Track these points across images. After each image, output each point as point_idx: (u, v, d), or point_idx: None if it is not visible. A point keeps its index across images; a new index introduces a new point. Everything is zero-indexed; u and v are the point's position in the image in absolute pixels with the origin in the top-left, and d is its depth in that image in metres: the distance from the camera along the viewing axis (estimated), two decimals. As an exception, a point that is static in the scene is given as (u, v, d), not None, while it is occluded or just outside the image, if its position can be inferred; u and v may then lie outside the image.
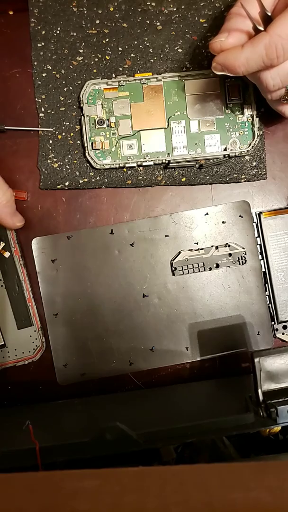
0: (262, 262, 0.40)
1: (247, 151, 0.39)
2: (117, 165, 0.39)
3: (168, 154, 0.39)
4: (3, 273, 0.39)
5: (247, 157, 0.40)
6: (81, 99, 0.38)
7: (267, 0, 0.31)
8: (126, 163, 0.38)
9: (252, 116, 0.39)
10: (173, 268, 0.39)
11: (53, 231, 0.40)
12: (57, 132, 0.39)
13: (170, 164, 0.38)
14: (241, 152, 0.39)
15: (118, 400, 0.39)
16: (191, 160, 0.39)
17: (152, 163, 0.39)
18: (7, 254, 0.39)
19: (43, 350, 0.39)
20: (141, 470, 0.22)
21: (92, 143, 0.38)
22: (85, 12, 0.39)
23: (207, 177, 0.40)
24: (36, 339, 0.39)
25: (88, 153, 0.38)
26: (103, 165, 0.38)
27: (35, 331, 0.39)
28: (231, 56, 0.30)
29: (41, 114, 0.39)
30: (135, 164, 0.39)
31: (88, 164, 0.39)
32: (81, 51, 0.39)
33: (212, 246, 0.39)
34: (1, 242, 0.39)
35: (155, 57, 0.39)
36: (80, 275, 0.39)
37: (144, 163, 0.39)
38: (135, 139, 0.39)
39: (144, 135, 0.39)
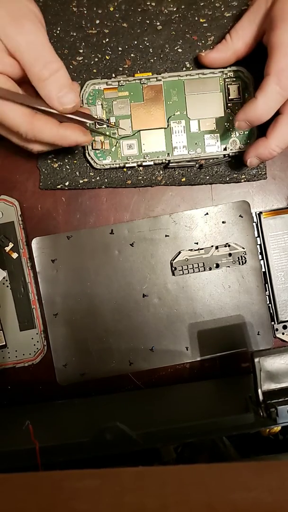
0: (262, 262, 0.40)
1: (247, 151, 0.39)
2: (117, 165, 0.39)
3: (168, 154, 0.39)
4: (10, 274, 0.39)
5: (247, 157, 0.40)
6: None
7: (248, 33, 0.36)
8: (126, 163, 0.38)
9: (252, 116, 0.39)
10: (173, 268, 0.39)
11: (53, 231, 0.40)
12: (57, 132, 0.39)
13: (170, 164, 0.38)
14: (241, 151, 0.39)
15: (118, 400, 0.39)
16: (191, 160, 0.39)
17: (152, 163, 0.39)
18: (15, 255, 0.39)
19: (44, 353, 0.39)
20: (141, 470, 0.22)
21: (92, 143, 0.38)
22: (85, 12, 0.38)
23: (207, 177, 0.40)
24: (37, 342, 0.39)
25: (88, 153, 0.38)
26: (103, 165, 0.38)
27: (37, 334, 0.39)
28: (249, 109, 0.34)
29: (41, 114, 0.39)
30: (135, 164, 0.39)
31: (88, 164, 0.39)
32: (81, 51, 0.39)
33: (212, 246, 0.39)
34: (10, 243, 0.39)
35: (155, 57, 0.39)
36: (80, 275, 0.39)
37: (144, 163, 0.39)
38: (135, 139, 0.39)
39: (144, 135, 0.39)
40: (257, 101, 0.33)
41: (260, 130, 0.38)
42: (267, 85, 0.33)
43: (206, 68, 0.38)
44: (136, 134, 0.39)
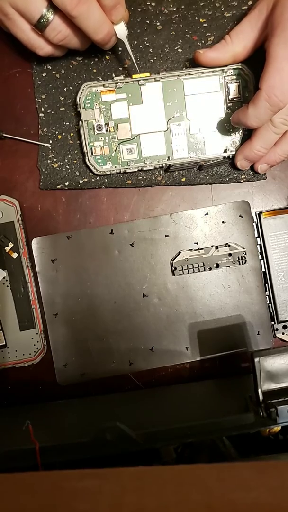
0: (262, 262, 0.40)
1: (247, 151, 0.39)
2: (118, 171, 0.38)
3: (168, 157, 0.39)
4: (10, 274, 0.39)
5: (247, 157, 0.39)
6: (78, 103, 0.37)
7: (249, 37, 0.36)
8: (127, 168, 0.38)
9: (252, 116, 0.38)
10: (173, 268, 0.39)
11: (53, 231, 0.40)
12: (57, 132, 0.39)
13: (170, 168, 0.38)
14: (241, 152, 0.39)
15: (118, 400, 0.39)
16: (192, 162, 0.39)
17: (152, 167, 0.38)
18: (15, 255, 0.39)
19: (44, 353, 0.39)
20: (141, 470, 0.22)
21: (91, 149, 0.38)
22: (85, 12, 0.38)
23: (207, 177, 0.40)
24: (37, 341, 0.39)
25: (88, 159, 0.38)
26: (103, 171, 0.38)
27: (37, 333, 0.39)
28: (242, 116, 0.35)
29: (41, 114, 0.39)
30: (135, 169, 0.38)
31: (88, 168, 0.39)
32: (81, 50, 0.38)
33: (212, 246, 0.39)
34: (10, 243, 0.38)
35: (155, 57, 0.39)
36: (80, 275, 0.39)
37: (144, 168, 0.38)
38: (134, 143, 0.38)
39: (144, 138, 0.39)
40: (248, 112, 0.34)
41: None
42: (258, 100, 0.33)
43: (202, 67, 0.38)
44: (135, 138, 0.38)
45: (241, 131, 0.39)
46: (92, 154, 0.38)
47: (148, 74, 0.38)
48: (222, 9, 0.39)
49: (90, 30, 0.33)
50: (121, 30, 0.35)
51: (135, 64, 0.37)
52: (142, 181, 0.40)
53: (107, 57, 0.39)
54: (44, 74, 0.39)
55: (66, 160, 0.39)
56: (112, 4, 0.32)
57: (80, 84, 0.38)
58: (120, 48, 0.39)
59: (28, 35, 0.34)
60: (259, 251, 0.40)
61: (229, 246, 0.39)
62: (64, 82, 0.39)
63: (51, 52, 0.36)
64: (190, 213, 0.39)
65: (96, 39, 0.34)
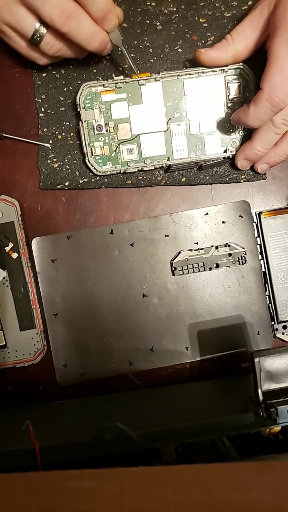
0: (262, 262, 0.40)
1: (247, 151, 0.39)
2: (118, 171, 0.38)
3: (168, 158, 0.39)
4: (10, 274, 0.39)
5: (247, 157, 0.39)
6: (78, 103, 0.37)
7: (250, 36, 0.36)
8: (127, 169, 0.38)
9: (252, 116, 0.38)
10: (173, 268, 0.39)
11: (53, 231, 0.40)
12: (57, 132, 0.39)
13: (170, 168, 0.38)
14: (241, 152, 0.39)
15: (118, 400, 0.39)
16: (192, 162, 0.38)
17: (152, 167, 0.38)
18: (15, 255, 0.39)
19: (44, 353, 0.39)
20: (141, 470, 0.22)
21: (91, 149, 0.38)
22: (85, 12, 0.38)
23: (207, 177, 0.40)
24: (37, 341, 0.39)
25: (88, 159, 0.38)
26: (103, 171, 0.38)
27: (37, 334, 0.39)
28: (242, 116, 0.35)
29: (41, 114, 0.39)
30: (135, 170, 0.38)
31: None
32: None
33: (212, 246, 0.39)
34: (10, 243, 0.39)
35: (155, 57, 0.39)
36: (80, 275, 0.39)
37: (144, 168, 0.38)
38: (134, 144, 0.38)
39: (144, 138, 0.38)
40: (249, 112, 0.34)
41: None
42: (259, 101, 0.33)
43: (202, 66, 0.38)
44: (135, 138, 0.38)
45: (241, 131, 0.39)
46: (92, 155, 0.38)
47: (148, 74, 0.38)
48: (222, 9, 0.39)
49: (83, 42, 0.33)
50: (116, 37, 0.35)
51: (133, 67, 0.37)
52: (142, 181, 0.40)
53: (107, 57, 0.39)
54: (44, 74, 0.39)
55: (66, 160, 0.39)
56: (102, 15, 0.32)
57: (80, 84, 0.38)
58: (119, 49, 0.38)
59: (26, 49, 0.35)
60: (259, 251, 0.40)
61: (229, 246, 0.39)
62: (64, 82, 0.39)
63: (50, 62, 0.36)
64: (190, 213, 0.39)
65: (91, 49, 0.34)
